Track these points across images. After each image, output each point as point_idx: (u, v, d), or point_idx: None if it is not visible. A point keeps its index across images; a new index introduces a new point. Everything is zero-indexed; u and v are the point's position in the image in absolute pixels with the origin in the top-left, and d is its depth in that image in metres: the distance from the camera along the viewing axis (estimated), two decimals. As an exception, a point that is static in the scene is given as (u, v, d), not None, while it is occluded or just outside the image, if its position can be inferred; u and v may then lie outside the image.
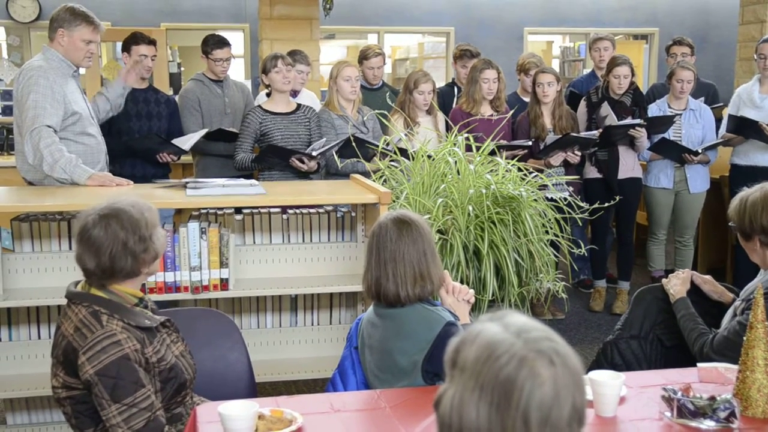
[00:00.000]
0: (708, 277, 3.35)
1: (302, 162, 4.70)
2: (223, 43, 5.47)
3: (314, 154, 4.69)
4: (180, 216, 4.94)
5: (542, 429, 1.29)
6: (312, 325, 4.03)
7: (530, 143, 5.32)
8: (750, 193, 2.97)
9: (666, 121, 5.64)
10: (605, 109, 5.63)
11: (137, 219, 2.46)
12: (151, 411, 2.38)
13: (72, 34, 4.11)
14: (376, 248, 2.63)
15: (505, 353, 1.32)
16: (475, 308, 4.04)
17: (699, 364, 2.66)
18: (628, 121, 5.57)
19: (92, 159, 4.18)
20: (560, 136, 5.41)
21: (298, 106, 5.04)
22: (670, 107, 5.74)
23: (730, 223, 3.03)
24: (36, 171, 4.10)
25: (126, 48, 5.17)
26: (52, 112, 3.98)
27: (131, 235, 2.43)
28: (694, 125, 5.71)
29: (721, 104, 6.32)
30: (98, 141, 4.29)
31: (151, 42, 5.16)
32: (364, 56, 5.97)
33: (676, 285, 3.27)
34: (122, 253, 2.43)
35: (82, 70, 4.50)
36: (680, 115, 5.70)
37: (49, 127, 3.94)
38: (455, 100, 6.03)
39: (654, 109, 5.77)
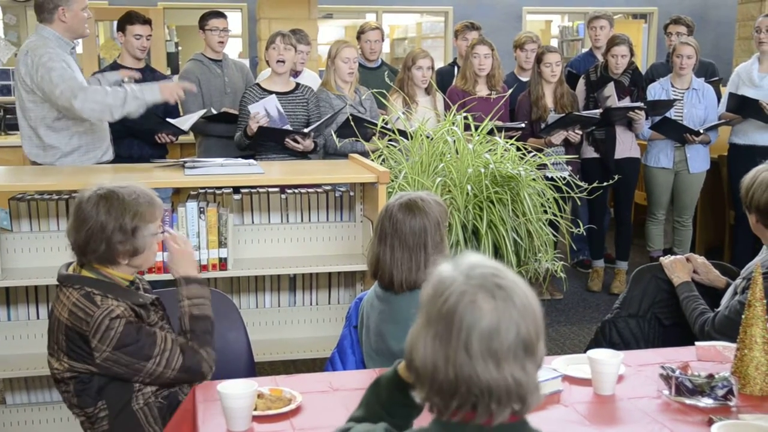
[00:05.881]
0: (702, 259, 3.33)
1: (297, 142, 4.67)
2: (219, 13, 5.47)
3: (306, 131, 4.65)
4: (178, 196, 4.93)
5: (485, 358, 1.38)
6: (311, 304, 4.04)
7: (524, 125, 5.27)
8: (763, 170, 2.94)
9: (666, 105, 5.62)
10: (609, 89, 5.61)
11: (125, 208, 2.43)
12: (178, 344, 2.47)
13: (72, 8, 4.13)
14: (380, 229, 2.62)
15: (447, 289, 1.42)
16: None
17: (697, 343, 2.67)
18: (629, 103, 5.55)
19: (98, 137, 4.17)
20: (562, 114, 5.40)
21: (297, 85, 5.01)
22: (673, 86, 5.72)
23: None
24: (45, 154, 4.12)
25: (121, 28, 5.13)
26: (78, 75, 4.06)
27: (113, 221, 2.41)
28: (697, 105, 5.69)
29: (718, 78, 6.29)
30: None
31: (146, 21, 5.12)
32: (361, 31, 5.96)
33: (680, 272, 3.26)
34: (98, 236, 2.42)
35: (78, 49, 4.51)
36: (683, 94, 5.68)
37: (86, 86, 4.03)
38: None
39: (657, 88, 5.74)
